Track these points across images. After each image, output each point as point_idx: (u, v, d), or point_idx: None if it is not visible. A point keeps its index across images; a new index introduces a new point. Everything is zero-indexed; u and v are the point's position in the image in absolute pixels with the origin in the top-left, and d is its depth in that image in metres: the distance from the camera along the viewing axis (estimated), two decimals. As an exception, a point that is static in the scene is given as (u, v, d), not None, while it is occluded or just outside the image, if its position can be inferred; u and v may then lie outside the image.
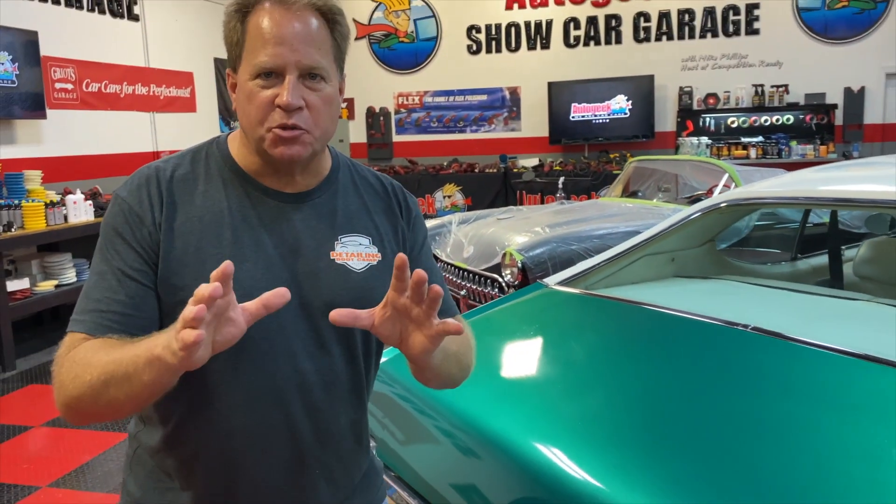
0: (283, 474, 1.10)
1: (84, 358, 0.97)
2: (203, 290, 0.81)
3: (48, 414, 4.25)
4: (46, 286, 5.55)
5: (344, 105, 11.12)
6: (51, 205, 5.60)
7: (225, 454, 1.08)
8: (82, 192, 6.01)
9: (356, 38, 10.87)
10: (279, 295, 0.88)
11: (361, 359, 1.16)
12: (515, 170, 9.74)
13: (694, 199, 5.75)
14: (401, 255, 0.93)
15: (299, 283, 1.08)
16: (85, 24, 7.05)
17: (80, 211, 5.80)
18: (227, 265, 0.83)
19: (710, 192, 5.56)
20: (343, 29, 1.10)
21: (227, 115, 9.52)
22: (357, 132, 11.10)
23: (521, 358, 2.01)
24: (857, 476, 1.22)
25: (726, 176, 5.33)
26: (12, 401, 4.54)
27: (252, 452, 1.08)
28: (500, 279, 4.49)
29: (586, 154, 10.02)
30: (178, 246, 1.05)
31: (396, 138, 10.99)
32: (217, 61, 9.31)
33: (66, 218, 5.72)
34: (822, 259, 3.03)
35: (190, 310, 0.81)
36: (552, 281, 2.40)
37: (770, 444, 1.34)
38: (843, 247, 3.11)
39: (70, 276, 5.79)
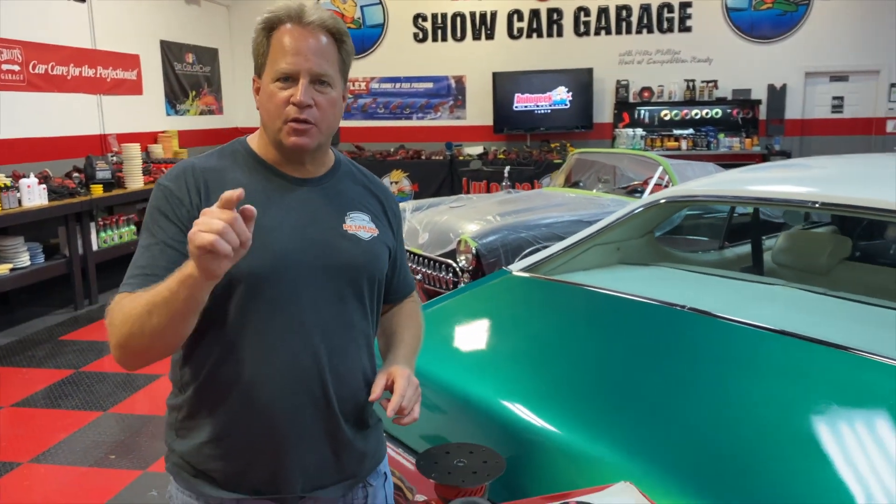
0: (313, 412, 1.34)
1: (130, 302, 1.19)
2: (228, 194, 1.04)
3: (16, 395, 4.35)
4: (1, 270, 5.56)
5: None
6: (4, 189, 5.60)
7: (264, 395, 1.30)
8: (35, 176, 6.01)
9: (303, 23, 10.92)
10: (249, 210, 1.09)
11: (369, 310, 1.43)
12: (461, 157, 10.02)
13: (631, 190, 6.17)
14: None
15: (320, 248, 1.35)
16: (31, 5, 6.96)
17: (34, 195, 5.82)
18: (238, 191, 1.06)
19: (645, 184, 5.98)
20: (348, 47, 1.38)
21: (172, 97, 9.49)
22: (303, 117, 11.17)
23: (491, 334, 2.31)
24: (771, 422, 1.56)
25: (660, 169, 5.74)
26: (-25, 383, 4.61)
27: (287, 392, 1.31)
28: (455, 265, 4.78)
29: (528, 143, 10.39)
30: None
31: (343, 123, 11.00)
32: (163, 44, 9.26)
33: (20, 202, 5.73)
34: (746, 248, 3.43)
35: (222, 199, 1.04)
36: (515, 268, 2.71)
37: (701, 400, 1.68)
38: (763, 237, 3.52)
39: (24, 260, 5.81)
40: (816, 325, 1.93)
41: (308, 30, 1.30)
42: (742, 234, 3.63)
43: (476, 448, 1.29)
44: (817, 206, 2.43)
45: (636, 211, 2.80)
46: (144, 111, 8.85)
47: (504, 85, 10.22)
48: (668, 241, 3.89)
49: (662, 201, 2.77)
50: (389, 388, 1.35)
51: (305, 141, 1.32)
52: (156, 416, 4.03)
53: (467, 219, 5.24)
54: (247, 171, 1.38)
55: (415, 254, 5.22)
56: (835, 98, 9.82)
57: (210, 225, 1.03)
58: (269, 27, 1.32)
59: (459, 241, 4.83)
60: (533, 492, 1.42)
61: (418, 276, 5.06)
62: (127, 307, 1.19)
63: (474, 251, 4.67)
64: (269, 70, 1.32)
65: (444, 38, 10.56)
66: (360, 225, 1.42)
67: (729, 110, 9.92)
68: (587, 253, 2.84)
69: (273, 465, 1.34)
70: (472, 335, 2.32)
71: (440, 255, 5.02)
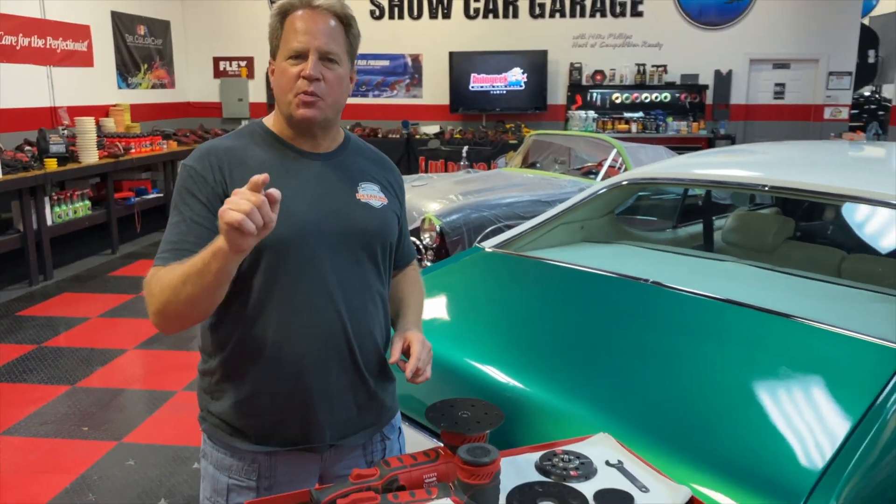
0: (339, 366, 1.47)
1: (166, 273, 1.31)
2: (256, 177, 1.15)
3: (-22, 370, 4.33)
4: (-46, 244, 5.47)
5: (243, 64, 11.08)
6: (-43, 162, 5.49)
7: (293, 352, 1.42)
8: (-12, 149, 5.90)
9: (257, -2, 10.81)
10: (274, 194, 1.19)
11: (383, 271, 1.56)
12: (418, 136, 10.12)
13: (586, 171, 6.39)
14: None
15: (337, 215, 1.47)
16: (-21, -29, 6.76)
17: (-13, 168, 5.71)
18: (263, 176, 1.16)
19: (599, 166, 6.21)
20: (354, 30, 1.50)
21: (124, 70, 9.30)
22: (257, 92, 11.09)
23: (470, 306, 2.47)
24: (723, 380, 1.76)
25: (614, 151, 5.97)
26: (-66, 358, 4.56)
27: (314, 348, 1.44)
28: (419, 242, 4.92)
29: (484, 123, 10.55)
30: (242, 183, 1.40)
31: (298, 100, 11.04)
32: (114, 15, 9.06)
33: (-28, 175, 5.62)
34: (698, 228, 3.67)
35: (251, 182, 1.15)
36: (487, 245, 2.87)
37: (663, 362, 1.87)
38: (714, 217, 3.76)
39: (-22, 235, 5.71)
40: (763, 296, 2.14)
41: (318, 13, 1.42)
42: (693, 215, 3.86)
43: (477, 402, 1.44)
44: (766, 189, 2.65)
45: (599, 192, 2.98)
46: (95, 84, 8.68)
47: (460, 65, 10.32)
48: (626, 221, 4.11)
49: (624, 183, 2.95)
50: (405, 352, 1.50)
51: (313, 112, 1.43)
52: (126, 390, 4.08)
53: (430, 198, 5.38)
54: (265, 147, 1.49)
55: (378, 231, 5.33)
56: (777, 85, 10.23)
57: (239, 205, 1.15)
58: (283, 14, 1.44)
59: (423, 220, 4.96)
60: (518, 445, 1.59)
61: (382, 253, 5.18)
62: (164, 278, 1.31)
63: (438, 229, 4.82)
64: (282, 50, 1.43)
65: (401, 16, 10.59)
66: (371, 194, 1.54)
67: (677, 95, 10.25)
68: (553, 231, 3.01)
69: (304, 418, 1.46)
70: (452, 307, 2.47)
71: (404, 233, 5.14)
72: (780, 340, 1.91)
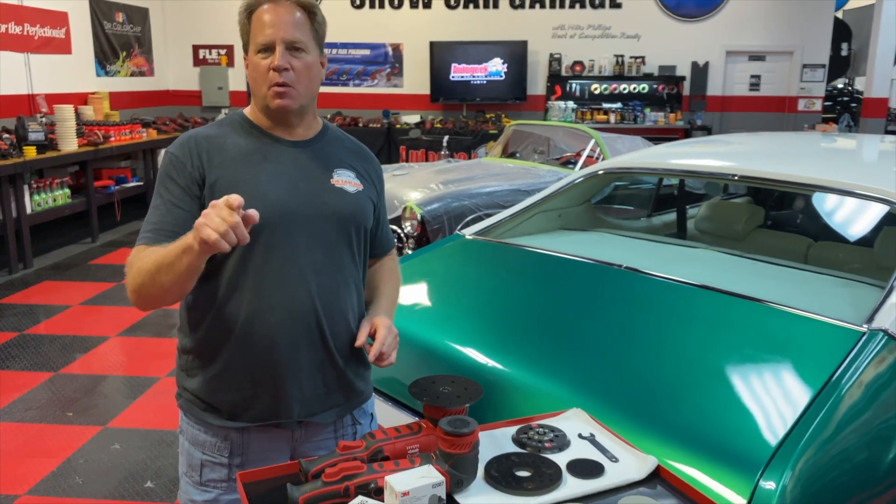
0: (309, 344, 1.53)
1: (144, 257, 1.40)
2: (233, 198, 1.21)
3: (-40, 357, 4.34)
4: (-67, 232, 5.44)
5: (223, 52, 11.03)
6: (-65, 149, 5.45)
7: (264, 330, 1.49)
8: (-35, 137, 5.86)
9: (237, -15, 10.75)
10: (252, 216, 1.27)
11: (357, 255, 1.63)
12: (399, 125, 10.15)
13: (565, 161, 6.49)
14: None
15: (310, 199, 1.54)
16: (-46, -44, 6.69)
17: (-34, 156, 5.68)
18: (237, 199, 1.22)
19: (577, 155, 6.30)
20: (319, 18, 1.57)
21: (102, 58, 9.24)
22: (237, 80, 11.05)
23: (451, 290, 2.54)
24: (692, 359, 1.85)
25: (592, 141, 6.07)
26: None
27: (285, 327, 1.50)
28: (400, 231, 4.98)
29: (465, 113, 10.60)
30: (219, 179, 1.48)
31: (278, 89, 11.02)
32: (92, 1, 8.98)
33: (-49, 163, 5.58)
34: (672, 216, 3.77)
35: (225, 202, 1.21)
36: (468, 233, 2.94)
37: (634, 343, 1.96)
38: (687, 206, 3.86)
39: (-44, 223, 5.68)
40: (732, 281, 2.24)
41: (281, 5, 1.50)
42: (667, 204, 3.96)
43: (457, 378, 1.51)
44: (736, 178, 2.75)
45: (576, 181, 3.06)
46: (74, 71, 8.62)
47: (441, 54, 10.36)
48: (603, 210, 4.20)
49: (601, 173, 3.04)
50: (372, 336, 1.57)
51: (287, 102, 1.50)
52: (110, 376, 4.12)
53: (411, 187, 5.44)
54: (244, 135, 1.56)
55: (360, 220, 5.39)
56: (752, 76, 10.39)
57: (215, 223, 1.21)
58: (250, 10, 1.52)
59: (405, 209, 5.02)
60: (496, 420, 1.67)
61: (364, 241, 5.24)
62: (141, 262, 1.40)
63: (419, 218, 4.88)
64: (252, 45, 1.51)
65: (382, 5, 10.60)
66: (345, 180, 1.61)
67: (655, 86, 10.37)
68: (532, 219, 3.09)
69: (273, 394, 1.53)
70: (433, 291, 2.54)
71: (385, 221, 5.20)
72: (745, 322, 2.01)
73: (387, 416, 2.03)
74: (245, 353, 1.52)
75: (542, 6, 10.38)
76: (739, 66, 10.36)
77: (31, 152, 6.40)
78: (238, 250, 1.47)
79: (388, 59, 10.77)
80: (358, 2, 10.61)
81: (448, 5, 10.50)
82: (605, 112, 10.25)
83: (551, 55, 10.41)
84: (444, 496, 1.14)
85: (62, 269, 6.44)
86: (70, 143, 6.98)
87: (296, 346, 1.53)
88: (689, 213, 3.73)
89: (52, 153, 6.75)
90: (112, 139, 7.67)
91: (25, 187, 6.40)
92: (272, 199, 1.49)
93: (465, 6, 10.49)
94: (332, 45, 10.76)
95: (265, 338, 1.51)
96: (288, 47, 1.48)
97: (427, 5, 10.53)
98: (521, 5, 10.41)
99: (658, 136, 9.17)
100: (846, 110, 11.27)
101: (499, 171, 6.02)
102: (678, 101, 10.31)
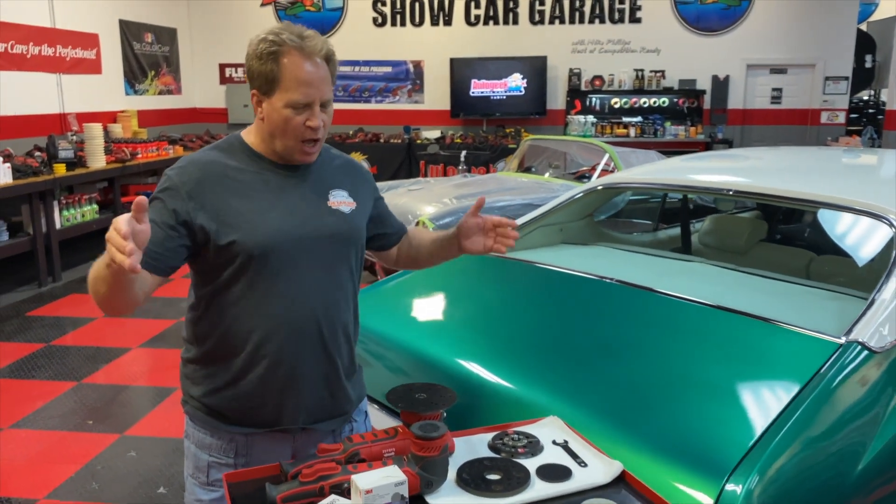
0: (313, 358, 1.63)
1: (93, 269, 1.38)
2: (120, 225, 1.19)
3: (-11, 367, 4.52)
4: (-34, 247, 5.66)
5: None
6: (-31, 167, 5.68)
7: (272, 347, 1.59)
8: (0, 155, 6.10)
9: (262, 5, 11.01)
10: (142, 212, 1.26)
11: (354, 271, 1.73)
12: (419, 141, 10.28)
13: (579, 175, 6.54)
14: (481, 198, 1.73)
15: (311, 223, 1.63)
16: (-10, -18, 6.97)
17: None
18: (141, 200, 1.25)
19: (592, 170, 6.36)
20: (335, 65, 1.63)
21: (131, 77, 9.51)
22: (263, 98, 11.25)
23: (444, 303, 2.62)
24: (666, 368, 1.90)
25: (606, 156, 6.12)
26: (-54, 356, 4.74)
27: (291, 343, 1.60)
28: (413, 244, 5.07)
29: (485, 128, 10.70)
30: (219, 204, 1.54)
31: (302, 106, 11.24)
32: (122, 23, 9.27)
33: (-16, 180, 5.82)
34: (677, 230, 3.81)
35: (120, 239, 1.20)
36: (468, 246, 3.02)
37: (614, 351, 2.02)
38: (694, 220, 3.90)
39: (-12, 237, 5.90)
40: (720, 294, 2.28)
41: (313, 59, 1.53)
42: (672, 218, 4.01)
43: (434, 386, 1.59)
44: (731, 193, 2.79)
45: (576, 196, 3.13)
46: (104, 90, 8.89)
47: (461, 70, 10.48)
48: (606, 224, 4.25)
49: (599, 188, 3.10)
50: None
51: (314, 156, 1.62)
52: (129, 386, 4.25)
53: (425, 201, 5.54)
54: (244, 161, 1.63)
55: (375, 234, 5.49)
56: (774, 90, 10.35)
57: (112, 253, 1.22)
58: (276, 55, 1.50)
59: (417, 223, 5.12)
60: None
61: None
62: (91, 272, 1.41)
63: (431, 232, 4.97)
64: (281, 97, 1.52)
65: (403, 23, 10.77)
66: (341, 201, 1.70)
67: (675, 99, 10.37)
68: (533, 233, 3.16)
69: (279, 404, 1.63)
70: (428, 303, 2.62)
71: (399, 236, 5.30)
72: (727, 334, 2.05)
73: (380, 422, 2.11)
74: (252, 367, 1.61)
75: (562, 22, 10.47)
76: (761, 79, 10.33)
77: (60, 169, 6.63)
78: (245, 274, 1.56)
79: (409, 76, 10.92)
80: (380, 20, 10.79)
81: (468, 22, 10.64)
82: (625, 126, 10.28)
83: (571, 70, 10.48)
84: (406, 495, 1.21)
85: (89, 282, 6.63)
86: (98, 161, 7.20)
87: (301, 361, 1.62)
88: (695, 227, 3.76)
89: (80, 170, 6.98)
90: (139, 156, 7.90)
91: (55, 203, 6.63)
92: (276, 225, 1.57)
93: (486, 23, 10.62)
94: (355, 63, 10.96)
95: (273, 354, 1.60)
96: (320, 104, 1.55)
97: (448, 22, 10.68)
98: (541, 21, 10.51)
99: (678, 149, 9.16)
100: (872, 122, 11.16)
101: (513, 185, 6.10)
102: (699, 115, 10.30)
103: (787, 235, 3.83)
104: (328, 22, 10.93)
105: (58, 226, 6.64)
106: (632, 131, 10.19)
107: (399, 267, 2.01)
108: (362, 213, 1.75)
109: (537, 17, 10.50)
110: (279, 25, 1.59)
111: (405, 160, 10.14)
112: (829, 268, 3.04)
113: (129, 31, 9.44)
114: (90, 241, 7.66)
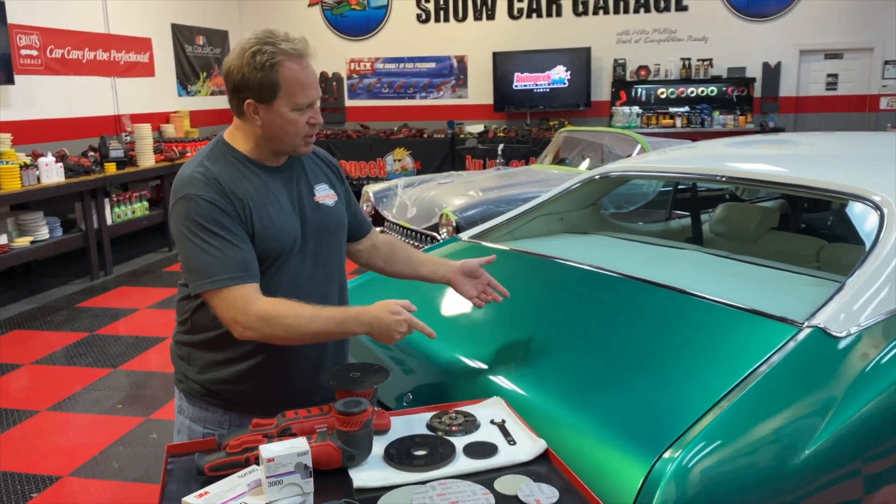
0: (311, 345, 1.72)
1: (294, 319, 1.57)
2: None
3: (36, 354, 4.80)
4: (22, 242, 6.01)
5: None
6: (24, 167, 6.03)
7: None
8: (52, 155, 6.44)
9: (309, 5, 11.24)
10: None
11: (342, 259, 1.88)
12: (462, 135, 10.33)
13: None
14: (493, 256, 2.07)
15: (307, 220, 1.75)
16: (47, -8, 7.35)
17: (51, 172, 6.25)
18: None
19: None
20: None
21: (183, 79, 9.86)
22: (311, 96, 11.49)
23: (444, 296, 2.67)
24: (621, 351, 1.91)
25: (639, 146, 6.05)
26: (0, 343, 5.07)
27: None
28: (438, 237, 5.14)
29: (528, 121, 10.67)
30: (256, 213, 1.65)
31: (349, 103, 11.46)
32: (175, 27, 9.62)
33: (38, 179, 6.16)
34: (685, 219, 3.76)
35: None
36: (465, 235, 3.06)
37: (575, 335, 2.04)
38: (709, 209, 3.83)
39: (43, 233, 6.25)
40: (694, 280, 2.24)
41: (305, 64, 1.65)
42: (682, 207, 3.95)
43: (370, 365, 1.65)
44: (724, 179, 2.75)
45: (573, 186, 3.13)
46: (157, 92, 9.25)
47: (504, 64, 10.47)
48: (627, 215, 4.21)
49: (597, 177, 3.10)
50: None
51: (312, 147, 1.77)
52: (159, 373, 4.46)
53: (453, 194, 5.60)
54: (242, 170, 1.69)
55: (403, 227, 5.59)
56: (829, 75, 9.97)
57: (404, 330, 1.61)
58: (273, 65, 1.59)
59: (441, 215, 5.18)
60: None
61: (405, 248, 5.42)
62: (294, 324, 1.58)
63: (454, 224, 5.03)
64: (285, 102, 1.61)
65: (447, 19, 10.82)
66: (325, 195, 1.81)
67: (724, 88, 10.11)
68: (533, 222, 3.17)
69: (275, 388, 1.75)
70: (426, 298, 2.68)
71: (426, 229, 5.38)
72: (691, 319, 2.04)
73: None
74: (250, 356, 1.73)
75: (606, 12, 10.33)
76: (815, 65, 9.96)
77: (111, 168, 6.96)
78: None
79: (452, 71, 10.98)
80: (424, 16, 10.87)
81: (511, 16, 10.62)
82: (672, 116, 10.08)
83: (615, 60, 10.34)
84: (309, 464, 1.27)
85: (138, 275, 6.95)
86: (147, 160, 7.52)
87: (297, 348, 1.73)
88: (704, 216, 3.71)
89: (130, 169, 7.30)
90: (188, 155, 8.20)
91: (106, 200, 6.96)
92: (286, 229, 1.70)
93: (528, 16, 10.57)
94: (399, 60, 11.07)
95: (270, 345, 1.69)
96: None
97: (490, 17, 10.68)
98: (585, 12, 10.40)
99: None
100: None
101: (542, 177, 6.09)
102: (748, 104, 10.01)
103: (805, 224, 3.72)
104: (374, 20, 11.07)
105: (109, 222, 6.97)
106: (678, 121, 9.99)
107: (359, 262, 2.07)
108: (342, 202, 1.87)
109: (581, 9, 10.39)
110: (260, 33, 1.67)
111: (448, 155, 10.20)
112: (838, 255, 2.96)
113: (182, 35, 9.79)
114: (141, 236, 8.02)
